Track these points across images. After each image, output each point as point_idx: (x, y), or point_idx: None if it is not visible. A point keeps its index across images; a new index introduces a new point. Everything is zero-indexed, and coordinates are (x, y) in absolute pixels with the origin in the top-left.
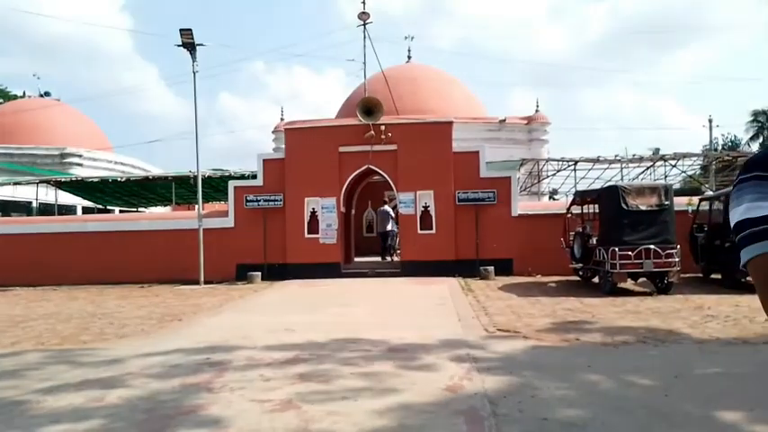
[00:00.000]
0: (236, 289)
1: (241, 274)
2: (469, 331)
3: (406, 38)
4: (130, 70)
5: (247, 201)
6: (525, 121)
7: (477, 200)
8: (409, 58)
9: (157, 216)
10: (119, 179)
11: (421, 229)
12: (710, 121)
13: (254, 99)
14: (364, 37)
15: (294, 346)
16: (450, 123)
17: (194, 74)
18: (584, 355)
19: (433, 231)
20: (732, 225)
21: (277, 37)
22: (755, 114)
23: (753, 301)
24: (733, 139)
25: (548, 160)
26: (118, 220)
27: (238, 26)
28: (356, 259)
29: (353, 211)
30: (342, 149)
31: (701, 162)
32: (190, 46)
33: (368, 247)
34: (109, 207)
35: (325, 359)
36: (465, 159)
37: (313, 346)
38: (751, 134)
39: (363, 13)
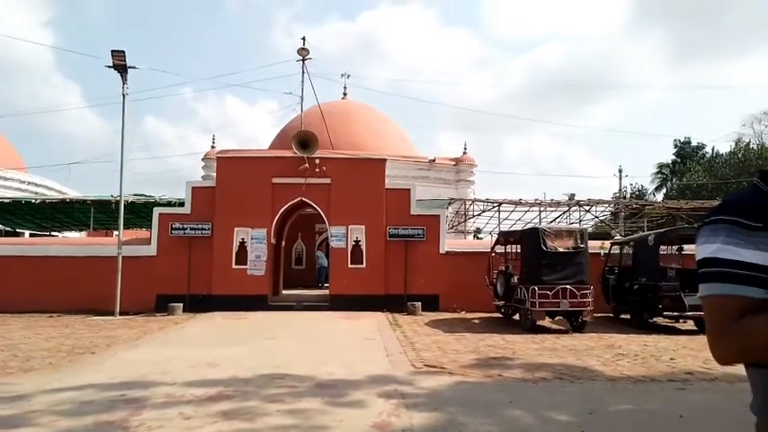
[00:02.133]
0: (155, 321)
1: (161, 305)
2: (397, 367)
3: (342, 75)
4: (50, 87)
5: (173, 228)
6: (453, 163)
7: (407, 236)
8: (345, 94)
9: (71, 241)
10: (32, 201)
11: (351, 264)
12: (620, 171)
13: (183, 125)
14: (303, 72)
15: (217, 381)
16: (383, 161)
17: (124, 96)
18: (507, 391)
19: (364, 266)
20: (699, 257)
21: (209, 66)
22: (660, 167)
23: (658, 340)
24: (640, 188)
25: (474, 200)
26: (26, 244)
27: (169, 51)
28: (284, 292)
29: (284, 243)
30: (275, 180)
31: (611, 208)
32: (121, 68)
33: (297, 280)
34: (18, 230)
35: (250, 396)
36: (397, 196)
37: (237, 381)
38: (656, 185)
39: (303, 49)
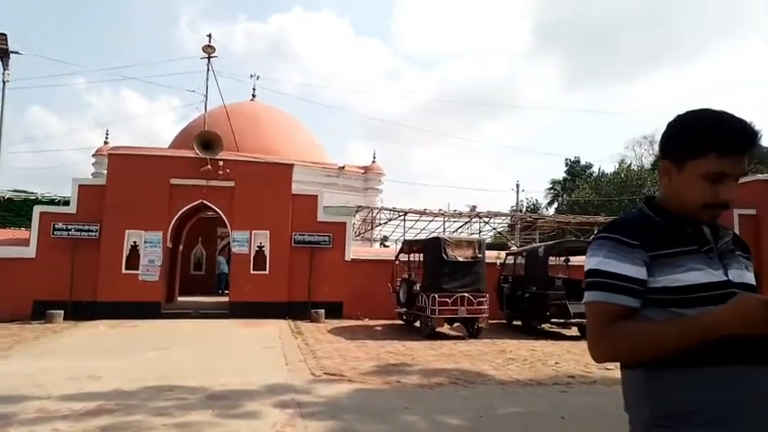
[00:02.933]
0: (30, 329)
1: (39, 313)
2: (296, 375)
3: (251, 76)
4: None
5: (55, 229)
6: (362, 171)
7: (312, 242)
8: (254, 96)
9: None
10: None
11: (254, 270)
12: (518, 185)
13: (75, 119)
14: (208, 70)
15: (98, 395)
16: (290, 165)
17: (3, 83)
18: (404, 397)
19: (267, 272)
20: (586, 268)
21: (109, 59)
22: (553, 183)
23: (546, 345)
24: (535, 202)
25: (381, 209)
26: None
27: (67, 42)
28: (181, 298)
29: (181, 247)
30: (173, 181)
31: (508, 221)
32: (2, 52)
33: (196, 286)
34: None
35: (135, 409)
36: (303, 202)
37: (121, 394)
38: (549, 199)
39: (208, 46)
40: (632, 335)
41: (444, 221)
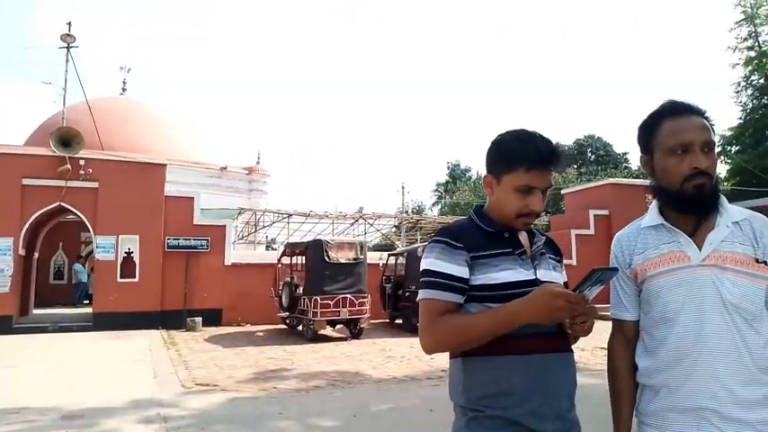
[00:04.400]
0: None
1: None
2: (164, 388)
3: (122, 68)
4: None
5: None
6: (246, 171)
7: (188, 247)
8: (124, 90)
9: None
10: None
11: (122, 277)
12: (403, 187)
13: None
14: (67, 60)
15: None
16: (163, 165)
17: None
18: (279, 402)
19: (137, 280)
20: (420, 269)
21: None
22: (437, 185)
23: None
24: (420, 204)
25: (264, 211)
26: None
27: None
28: (37, 311)
29: (37, 255)
30: (26, 182)
31: (394, 222)
32: None
33: (57, 297)
34: None
35: None
36: (178, 204)
37: None
38: (433, 201)
39: (68, 35)
40: (451, 326)
41: (332, 223)
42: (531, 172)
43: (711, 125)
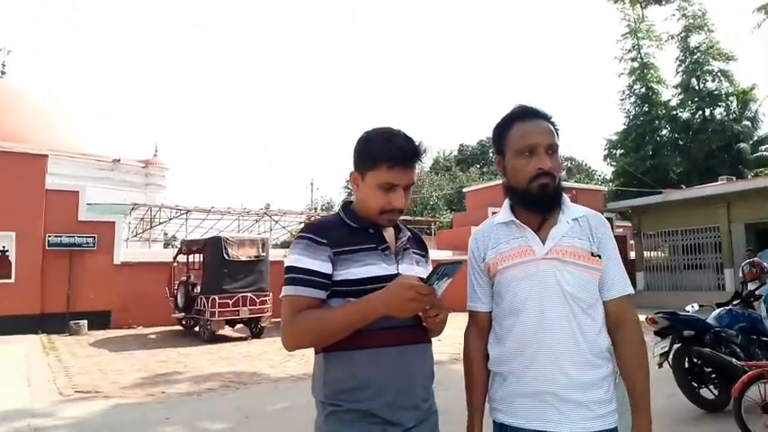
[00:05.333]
0: None
1: None
2: (39, 397)
3: (0, 50)
4: None
5: None
6: (142, 165)
7: (73, 245)
8: (3, 73)
9: None
10: None
11: None
12: (312, 184)
13: None
14: None
15: None
16: (43, 156)
17: None
18: (167, 407)
19: (12, 281)
20: (285, 265)
21: None
22: (347, 182)
23: None
24: (329, 201)
25: (161, 207)
26: None
27: None
28: None
29: None
30: None
31: (301, 219)
32: None
33: None
34: None
35: None
36: (61, 199)
37: None
38: (343, 197)
39: None
40: (310, 321)
41: (238, 220)
42: (392, 169)
43: (556, 129)
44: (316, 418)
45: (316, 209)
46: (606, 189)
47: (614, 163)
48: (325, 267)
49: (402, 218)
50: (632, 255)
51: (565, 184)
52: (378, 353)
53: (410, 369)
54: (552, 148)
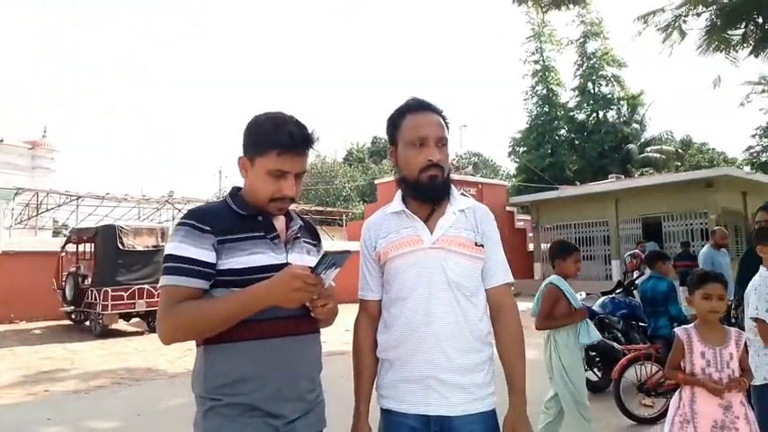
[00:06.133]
0: None
1: None
2: None
3: None
4: None
5: None
6: (29, 146)
7: None
8: None
9: None
10: None
11: None
12: (220, 172)
13: None
14: None
15: None
16: None
17: None
18: (49, 406)
19: None
20: (164, 253)
21: None
22: None
23: None
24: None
25: (49, 192)
26: None
27: None
28: None
29: None
30: None
31: None
32: None
33: None
34: None
35: None
36: None
37: None
38: None
39: None
40: (189, 312)
41: (138, 207)
42: (283, 156)
43: (446, 123)
44: (195, 415)
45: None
46: (509, 184)
47: (517, 160)
48: (208, 256)
49: (314, 208)
50: (531, 247)
51: (471, 178)
52: (262, 344)
53: (295, 360)
54: (442, 141)
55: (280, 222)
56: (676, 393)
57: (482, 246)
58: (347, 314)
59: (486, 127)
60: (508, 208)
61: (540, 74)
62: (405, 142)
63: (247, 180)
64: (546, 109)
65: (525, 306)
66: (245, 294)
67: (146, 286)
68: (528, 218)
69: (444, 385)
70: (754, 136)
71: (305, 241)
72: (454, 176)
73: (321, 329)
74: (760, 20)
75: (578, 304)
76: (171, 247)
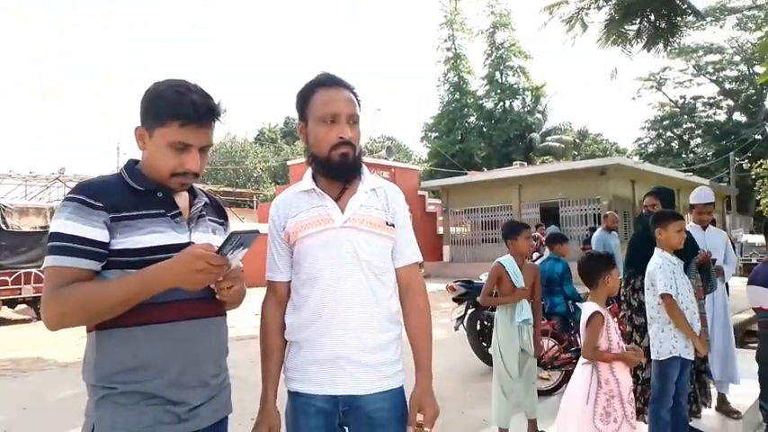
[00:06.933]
0: None
1: None
2: None
3: None
4: None
5: None
6: None
7: None
8: None
9: None
10: None
11: None
12: (118, 148)
13: None
14: None
15: None
16: None
17: None
18: None
19: None
20: (49, 231)
21: None
22: None
23: None
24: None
25: None
26: None
27: None
28: None
29: None
30: None
31: None
32: None
33: None
34: None
35: None
36: None
37: None
38: None
39: None
40: (79, 296)
41: (24, 185)
42: (186, 128)
43: (358, 100)
44: (86, 405)
45: None
46: (422, 169)
47: (429, 145)
48: (100, 234)
49: (222, 189)
50: (441, 230)
51: (384, 162)
52: (161, 329)
53: (198, 345)
54: (354, 119)
55: (182, 199)
56: (586, 371)
57: (393, 225)
58: (258, 298)
59: (401, 112)
60: (420, 192)
61: (452, 61)
62: (315, 118)
63: (145, 153)
64: (457, 96)
65: (434, 287)
66: (142, 276)
67: (33, 270)
68: (439, 202)
69: (354, 365)
70: (643, 128)
71: (210, 220)
72: (368, 160)
73: (228, 313)
74: (652, 17)
75: (521, 284)
76: (57, 225)
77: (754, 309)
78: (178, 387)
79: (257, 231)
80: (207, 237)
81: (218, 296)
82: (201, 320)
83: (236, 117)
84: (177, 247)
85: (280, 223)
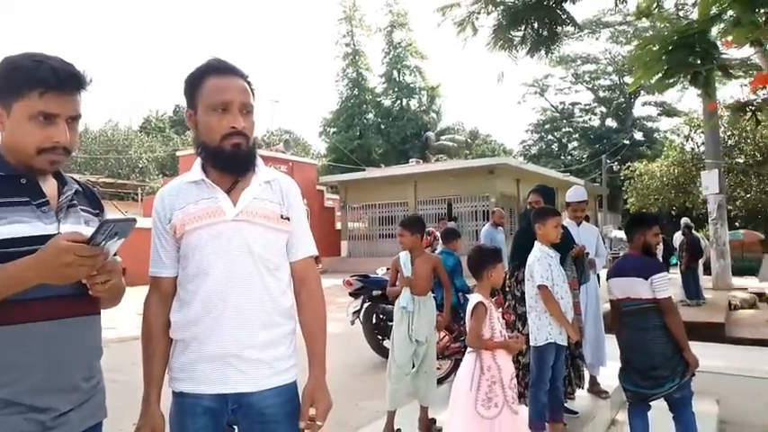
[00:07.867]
0: None
1: None
2: None
3: None
4: None
5: None
6: None
7: None
8: None
9: None
10: None
11: None
12: None
13: None
14: None
15: None
16: None
17: None
18: None
19: None
20: None
21: None
22: None
23: None
24: None
25: None
26: None
27: None
28: None
29: None
30: None
31: None
32: None
33: None
34: None
35: None
36: None
37: None
38: None
39: None
40: None
41: None
42: (47, 96)
43: (252, 90)
44: None
45: None
46: (320, 164)
47: (328, 140)
48: None
49: (103, 180)
50: (339, 225)
51: (282, 156)
52: (24, 329)
53: (68, 346)
54: (247, 108)
55: (50, 187)
56: (471, 359)
57: (288, 219)
58: (140, 297)
59: (299, 105)
60: (318, 187)
61: (351, 57)
62: (205, 106)
63: (5, 133)
64: (356, 92)
65: (332, 282)
66: (4, 272)
67: None
68: (337, 197)
69: (245, 362)
70: (527, 131)
71: (83, 209)
72: (265, 153)
73: (109, 314)
74: (536, 24)
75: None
76: None
77: (617, 300)
78: (42, 392)
79: (134, 219)
80: (78, 228)
81: (91, 292)
82: (73, 319)
83: (119, 102)
84: (44, 239)
85: (165, 215)
